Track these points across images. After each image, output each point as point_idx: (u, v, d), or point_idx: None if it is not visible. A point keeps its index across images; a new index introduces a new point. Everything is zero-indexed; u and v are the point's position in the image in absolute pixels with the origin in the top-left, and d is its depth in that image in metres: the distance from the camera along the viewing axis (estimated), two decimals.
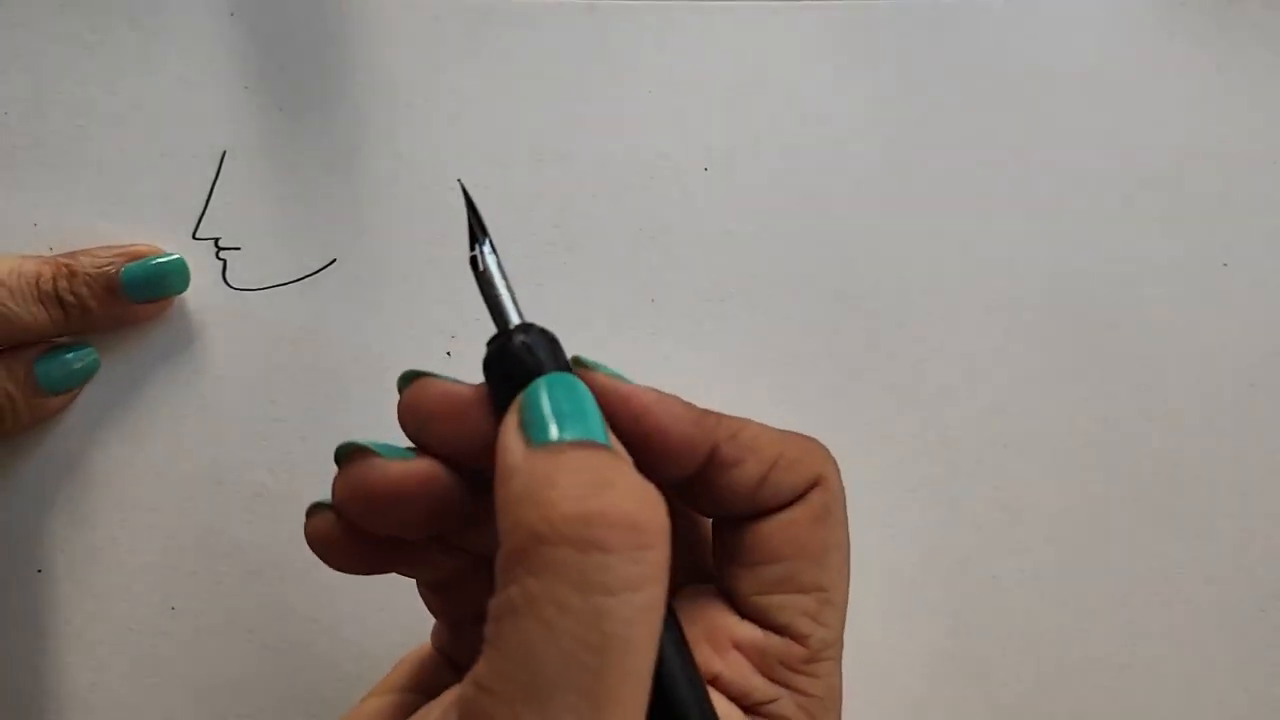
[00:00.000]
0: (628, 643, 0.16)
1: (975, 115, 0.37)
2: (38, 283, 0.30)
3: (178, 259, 0.32)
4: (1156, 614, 0.34)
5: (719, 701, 0.20)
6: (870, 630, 0.33)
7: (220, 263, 0.33)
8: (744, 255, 0.35)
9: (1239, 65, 0.37)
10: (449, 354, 0.33)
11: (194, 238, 0.33)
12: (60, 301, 0.31)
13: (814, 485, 0.23)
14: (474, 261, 0.22)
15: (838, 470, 0.23)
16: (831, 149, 0.36)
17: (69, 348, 0.32)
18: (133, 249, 0.32)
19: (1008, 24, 0.37)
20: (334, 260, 0.34)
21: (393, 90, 0.35)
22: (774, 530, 0.22)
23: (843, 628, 0.21)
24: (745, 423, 0.22)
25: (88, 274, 0.31)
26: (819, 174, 0.36)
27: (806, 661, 0.21)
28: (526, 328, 0.21)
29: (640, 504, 0.17)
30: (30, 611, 0.33)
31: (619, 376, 0.21)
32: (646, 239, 0.35)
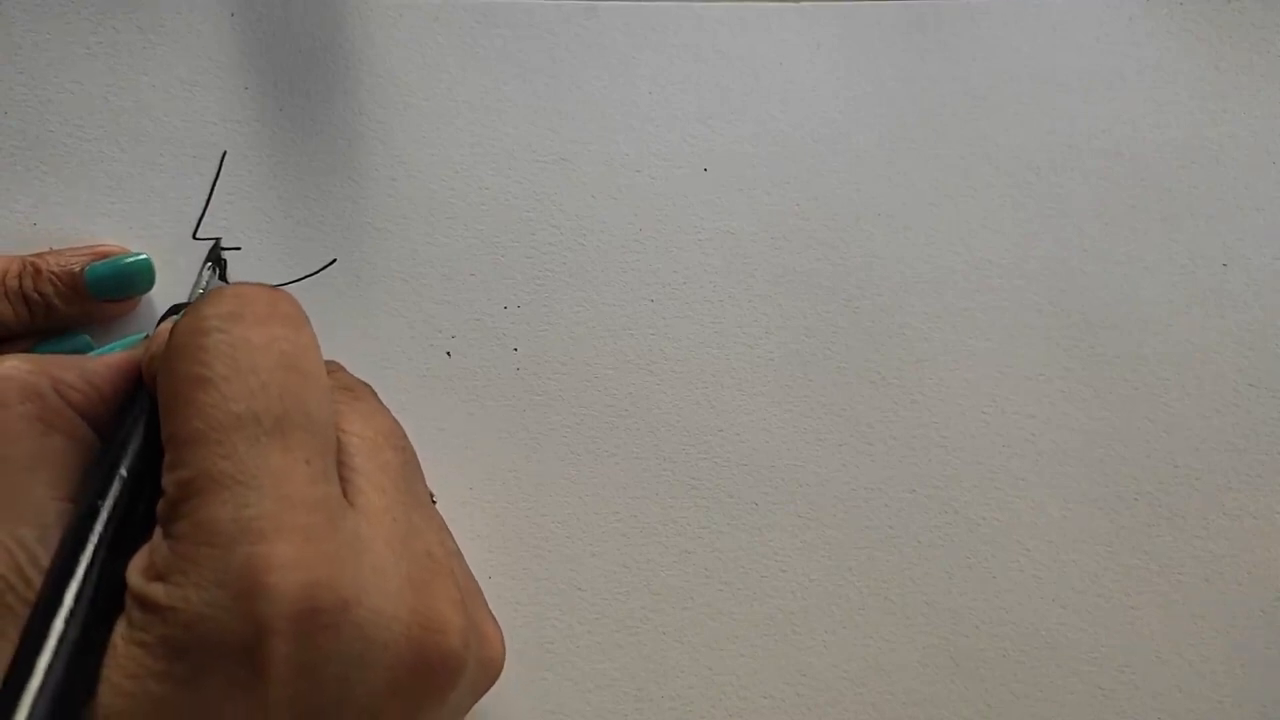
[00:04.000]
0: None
1: (975, 115, 0.37)
2: (4, 279, 0.30)
3: (144, 259, 0.32)
4: (1156, 614, 0.34)
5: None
6: (871, 629, 0.33)
7: (220, 263, 0.33)
8: (744, 255, 0.35)
9: (1238, 65, 0.37)
10: (449, 354, 0.33)
11: (194, 238, 0.33)
12: (25, 299, 0.31)
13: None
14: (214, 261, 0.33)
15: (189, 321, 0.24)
16: (831, 149, 0.36)
17: (64, 339, 0.32)
18: (100, 248, 0.32)
19: (1007, 24, 0.37)
20: (334, 260, 0.34)
21: (393, 90, 0.35)
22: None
23: (219, 447, 0.21)
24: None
25: (52, 272, 0.31)
26: (818, 174, 0.36)
27: (173, 507, 0.21)
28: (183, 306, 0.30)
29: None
30: None
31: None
32: (646, 239, 0.35)
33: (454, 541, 0.26)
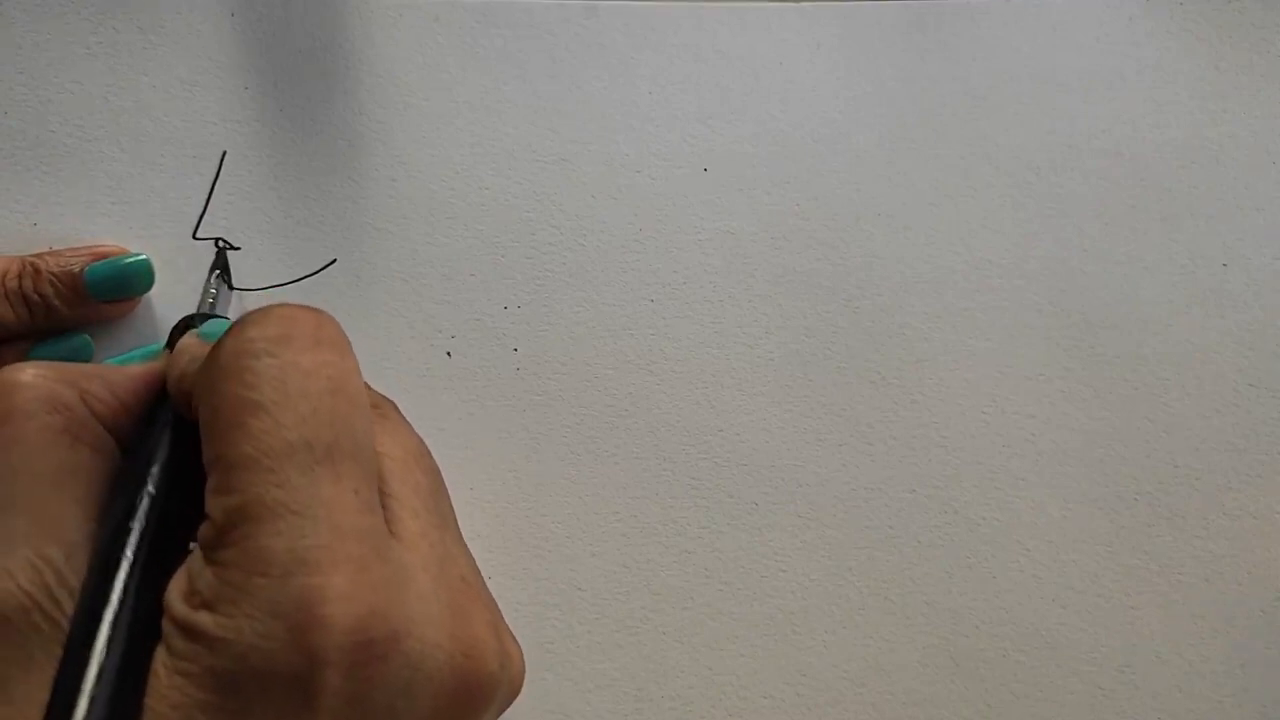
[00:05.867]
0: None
1: (975, 115, 0.37)
2: (3, 280, 0.30)
3: (143, 259, 0.32)
4: (1156, 614, 0.34)
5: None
6: (871, 629, 0.33)
7: (227, 270, 0.33)
8: (744, 255, 0.35)
9: (1238, 65, 0.37)
10: (449, 354, 0.33)
11: (194, 238, 0.33)
12: (25, 300, 0.31)
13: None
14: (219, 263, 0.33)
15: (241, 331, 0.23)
16: (831, 149, 0.36)
17: (63, 338, 0.32)
18: (99, 249, 0.32)
19: (1008, 24, 0.37)
20: (334, 260, 0.34)
21: (393, 90, 0.35)
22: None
23: (272, 475, 0.21)
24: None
25: (52, 273, 0.31)
26: (818, 174, 0.36)
27: (221, 533, 0.21)
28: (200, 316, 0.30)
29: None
30: None
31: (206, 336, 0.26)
32: (646, 239, 0.35)
33: (475, 561, 0.26)
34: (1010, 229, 0.36)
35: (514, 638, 0.26)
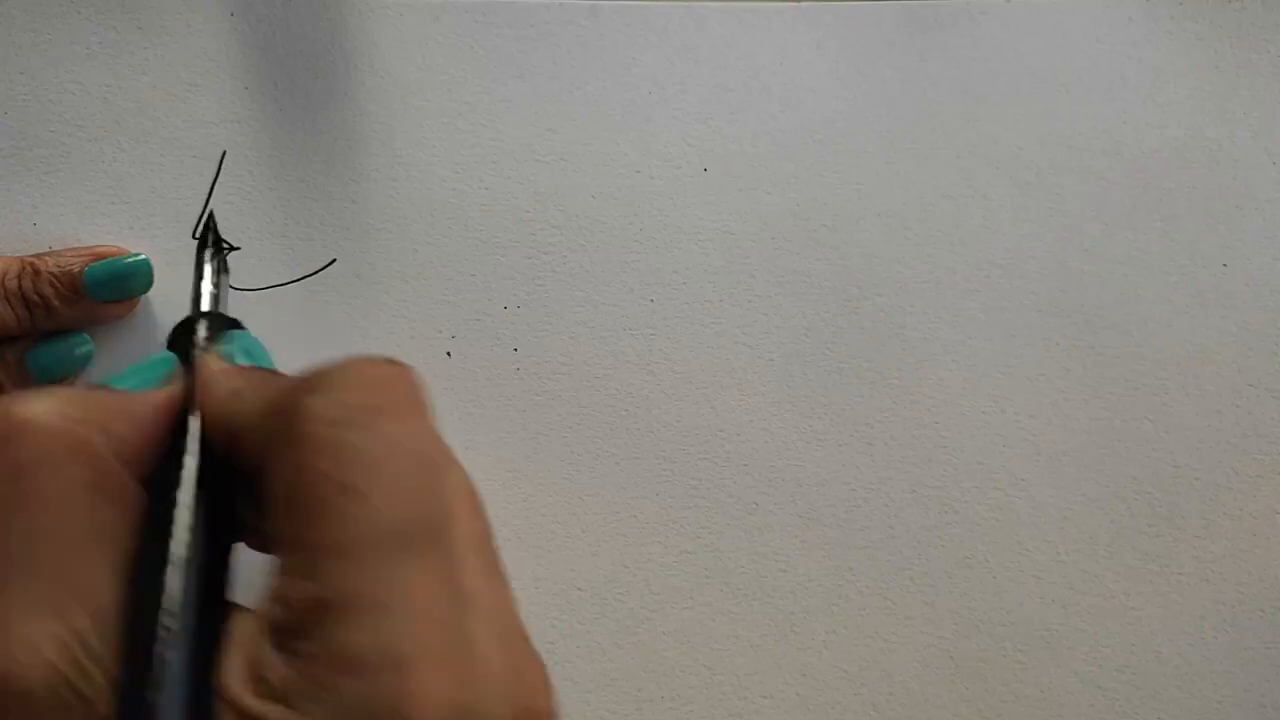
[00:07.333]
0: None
1: (975, 115, 0.37)
2: (3, 281, 0.30)
3: (142, 259, 0.32)
4: (1156, 614, 0.34)
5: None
6: (871, 629, 0.33)
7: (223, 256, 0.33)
8: (744, 255, 0.35)
9: (1238, 65, 0.37)
10: (449, 354, 0.33)
11: (194, 238, 0.33)
12: (25, 300, 0.31)
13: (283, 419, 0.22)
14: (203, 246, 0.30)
15: (337, 391, 0.21)
16: (831, 149, 0.36)
17: (63, 338, 0.31)
18: (98, 249, 0.32)
19: (1008, 24, 0.37)
20: (334, 260, 0.34)
21: (393, 90, 0.35)
22: (265, 486, 0.21)
23: (362, 566, 0.19)
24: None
25: (51, 273, 0.31)
26: (818, 174, 0.36)
27: (300, 624, 0.19)
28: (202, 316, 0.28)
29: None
30: None
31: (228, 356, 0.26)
32: (646, 239, 0.35)
33: (510, 586, 0.25)
34: (1010, 229, 0.36)
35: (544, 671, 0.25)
